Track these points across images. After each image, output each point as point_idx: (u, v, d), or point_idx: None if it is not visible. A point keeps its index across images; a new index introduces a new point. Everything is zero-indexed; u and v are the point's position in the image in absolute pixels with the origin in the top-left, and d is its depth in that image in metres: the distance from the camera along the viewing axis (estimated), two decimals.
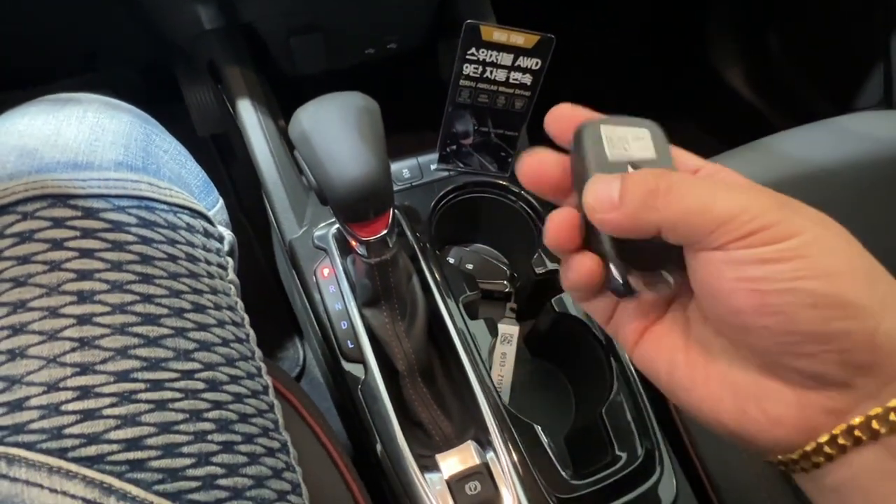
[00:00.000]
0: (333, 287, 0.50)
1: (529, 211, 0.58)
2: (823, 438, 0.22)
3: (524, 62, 0.50)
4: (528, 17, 0.54)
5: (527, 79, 0.51)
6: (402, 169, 0.58)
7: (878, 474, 0.21)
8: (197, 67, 0.75)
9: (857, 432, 0.21)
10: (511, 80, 0.51)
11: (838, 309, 0.20)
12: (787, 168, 0.61)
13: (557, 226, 0.26)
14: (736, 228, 0.21)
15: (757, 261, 0.21)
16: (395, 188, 0.56)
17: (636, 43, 1.14)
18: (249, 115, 0.54)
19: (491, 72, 0.51)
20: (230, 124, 0.71)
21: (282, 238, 0.56)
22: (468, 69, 0.50)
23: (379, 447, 0.44)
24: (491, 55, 0.50)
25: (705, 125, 1.12)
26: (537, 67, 0.50)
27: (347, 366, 0.47)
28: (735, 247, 0.22)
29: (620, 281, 0.25)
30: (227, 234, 0.41)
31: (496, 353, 0.54)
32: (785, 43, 1.03)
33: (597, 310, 0.28)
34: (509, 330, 0.56)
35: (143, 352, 0.30)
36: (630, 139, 0.26)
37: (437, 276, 0.51)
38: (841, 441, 0.21)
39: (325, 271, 0.51)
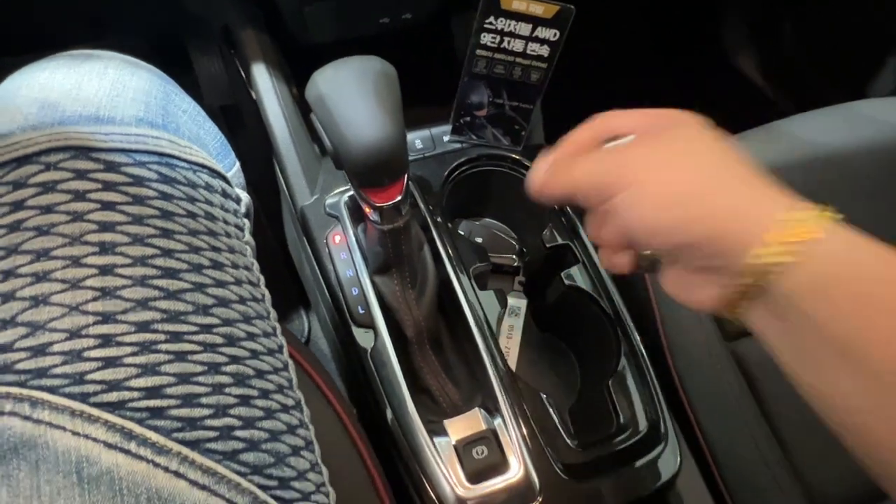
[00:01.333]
0: (345, 254, 0.51)
1: None
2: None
3: (542, 33, 0.50)
4: None
5: (544, 50, 0.51)
6: (415, 140, 0.58)
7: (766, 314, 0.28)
8: (208, 36, 0.75)
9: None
10: (528, 52, 0.51)
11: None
12: (802, 151, 0.61)
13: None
14: None
15: None
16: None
17: (646, 22, 1.13)
18: (264, 81, 0.54)
19: (508, 42, 0.50)
20: (240, 95, 0.71)
21: (293, 205, 0.56)
22: (486, 38, 0.50)
23: (388, 412, 0.45)
24: (509, 24, 0.49)
25: (711, 107, 1.11)
26: (555, 39, 0.50)
27: (357, 332, 0.48)
28: None
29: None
30: (244, 196, 0.41)
31: (504, 325, 0.55)
32: (798, 29, 1.02)
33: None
34: (518, 303, 0.56)
35: (163, 304, 0.30)
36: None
37: (448, 245, 0.51)
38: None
39: (337, 238, 0.52)
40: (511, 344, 0.55)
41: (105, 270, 0.30)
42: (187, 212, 0.34)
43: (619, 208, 0.30)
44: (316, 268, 0.53)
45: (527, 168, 0.58)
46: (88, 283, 0.29)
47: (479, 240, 0.58)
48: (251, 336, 0.34)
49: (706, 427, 0.46)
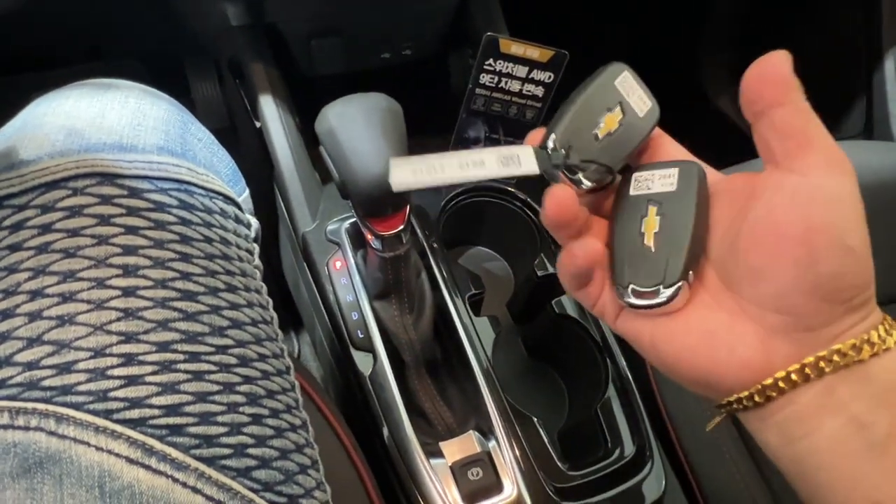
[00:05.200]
0: (345, 279, 0.53)
1: (532, 215, 0.61)
2: (780, 375, 0.26)
3: (538, 75, 0.53)
4: (531, 32, 0.57)
5: (539, 91, 0.54)
6: None
7: (814, 408, 0.26)
8: (206, 61, 0.77)
9: (807, 370, 0.26)
10: (524, 92, 0.54)
11: (853, 259, 0.25)
12: None
13: (558, 202, 0.29)
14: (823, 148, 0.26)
15: (825, 199, 0.25)
16: None
17: (632, 64, 1.18)
18: (271, 112, 0.56)
19: (506, 82, 0.53)
20: (239, 120, 0.73)
21: (294, 230, 0.58)
22: (485, 79, 0.53)
23: (386, 434, 0.46)
24: (507, 66, 0.52)
25: (694, 147, 1.16)
26: (550, 81, 0.53)
27: (357, 355, 0.49)
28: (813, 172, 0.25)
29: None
30: (254, 222, 0.43)
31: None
32: None
33: (587, 296, 0.32)
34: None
35: (182, 325, 0.32)
36: (656, 179, 0.31)
37: (444, 272, 0.53)
38: (794, 377, 0.26)
39: (338, 264, 0.53)
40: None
41: (128, 292, 0.31)
42: (204, 237, 0.36)
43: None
44: (315, 292, 0.55)
45: (519, 199, 0.61)
46: (112, 303, 0.31)
47: (473, 268, 0.61)
48: (262, 357, 0.35)
49: (689, 450, 0.48)
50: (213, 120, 0.77)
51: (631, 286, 0.29)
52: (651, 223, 0.29)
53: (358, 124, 0.42)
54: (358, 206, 0.44)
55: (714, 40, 1.09)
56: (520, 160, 0.29)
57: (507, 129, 0.57)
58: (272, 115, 0.56)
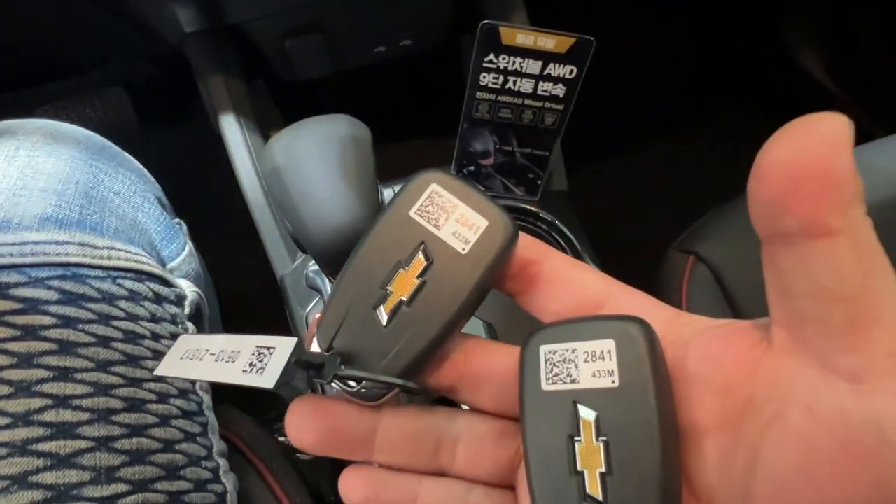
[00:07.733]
0: None
1: (560, 240, 0.50)
2: None
3: (556, 70, 0.41)
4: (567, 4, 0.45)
5: (559, 90, 0.42)
6: None
7: None
8: None
9: None
10: (540, 92, 0.42)
11: None
12: (883, 187, 0.50)
13: (296, 427, 0.18)
14: None
15: None
16: None
17: (699, 21, 1.02)
18: (233, 133, 0.47)
19: (514, 82, 0.42)
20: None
21: (275, 273, 0.49)
22: (486, 79, 0.42)
23: None
24: (514, 62, 0.41)
25: (771, 113, 1.00)
26: (572, 76, 0.41)
27: None
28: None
29: None
30: (190, 293, 0.34)
31: None
32: (873, 24, 0.89)
33: None
34: None
35: (49, 477, 0.24)
36: (580, 359, 0.18)
37: None
38: None
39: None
40: None
41: None
42: (98, 338, 0.27)
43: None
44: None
45: (545, 221, 0.50)
46: None
47: (489, 310, 0.50)
48: (175, 497, 0.27)
49: None
50: None
51: None
52: (591, 455, 0.17)
53: (311, 161, 0.32)
54: (319, 263, 0.35)
55: None
56: (265, 365, 0.16)
57: (523, 139, 0.46)
58: (235, 138, 0.47)
